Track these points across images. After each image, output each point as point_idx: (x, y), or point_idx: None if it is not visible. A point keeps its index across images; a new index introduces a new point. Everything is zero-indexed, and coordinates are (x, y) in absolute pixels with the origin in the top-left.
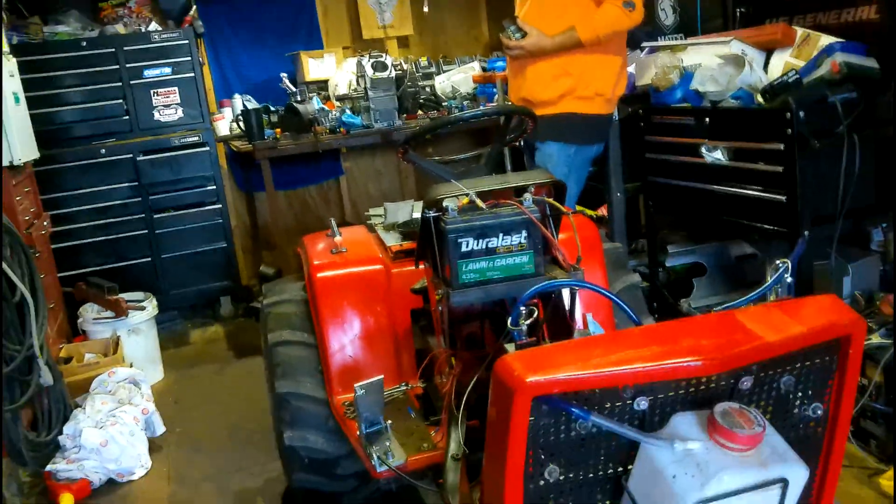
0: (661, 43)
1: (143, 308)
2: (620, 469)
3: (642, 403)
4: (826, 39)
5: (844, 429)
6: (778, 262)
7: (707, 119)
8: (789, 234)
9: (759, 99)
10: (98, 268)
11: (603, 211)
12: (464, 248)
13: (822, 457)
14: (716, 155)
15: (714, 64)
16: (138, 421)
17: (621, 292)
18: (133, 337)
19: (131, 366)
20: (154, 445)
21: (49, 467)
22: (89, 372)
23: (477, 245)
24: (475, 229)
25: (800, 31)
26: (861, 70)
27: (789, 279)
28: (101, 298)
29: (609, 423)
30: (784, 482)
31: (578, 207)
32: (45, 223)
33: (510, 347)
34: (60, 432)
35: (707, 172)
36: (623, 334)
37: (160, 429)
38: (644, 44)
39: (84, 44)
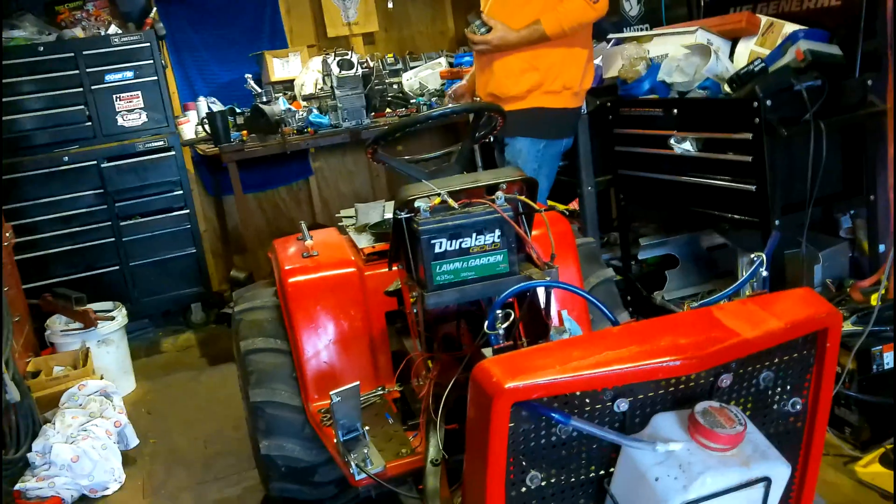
0: (626, 34)
1: (112, 318)
2: (603, 472)
3: (622, 405)
4: (790, 27)
5: (823, 422)
6: (752, 256)
7: (675, 110)
8: (760, 223)
9: (726, 88)
10: (65, 278)
11: (574, 205)
12: (437, 249)
13: (801, 451)
14: (685, 146)
15: (680, 54)
16: (111, 434)
17: (595, 287)
18: (103, 348)
19: (102, 377)
20: (128, 458)
21: (18, 486)
22: (59, 386)
23: (450, 245)
24: (448, 230)
25: (764, 19)
26: (825, 57)
27: (764, 273)
28: (68, 310)
29: (589, 427)
30: (767, 481)
31: (550, 202)
32: (7, 234)
33: (487, 352)
34: (30, 449)
35: (677, 164)
36: (601, 335)
37: (134, 441)
38: (610, 35)
39: (41, 49)
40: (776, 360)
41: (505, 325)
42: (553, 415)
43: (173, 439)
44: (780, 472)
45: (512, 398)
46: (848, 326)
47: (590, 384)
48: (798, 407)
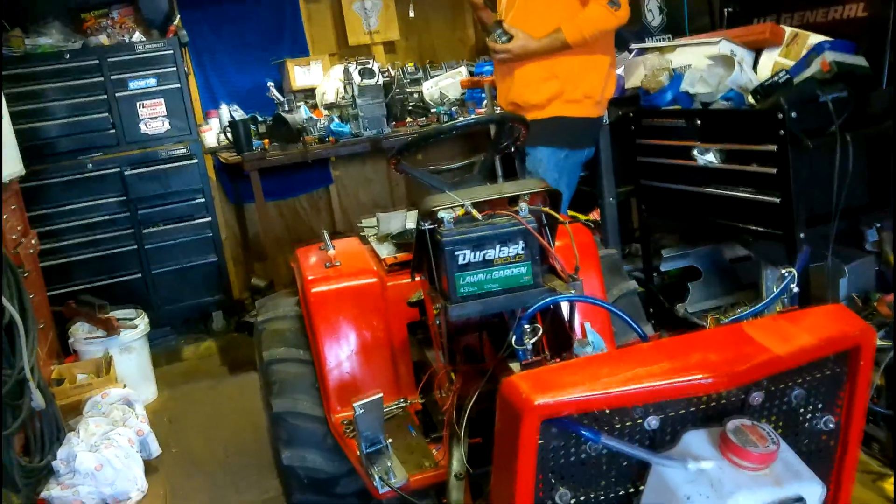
0: (649, 44)
1: (134, 325)
2: (632, 489)
3: (653, 422)
4: (815, 38)
5: (857, 440)
6: (783, 271)
7: (698, 121)
8: (784, 236)
9: (751, 99)
10: (87, 285)
11: (595, 215)
12: (461, 261)
13: (834, 469)
14: (708, 157)
15: (703, 65)
16: (133, 443)
17: (619, 300)
18: (125, 355)
19: (124, 385)
20: (150, 467)
21: (43, 493)
22: (82, 394)
23: (474, 257)
24: (472, 241)
25: (788, 30)
26: (851, 68)
27: (795, 289)
28: (91, 316)
29: (620, 445)
30: (801, 500)
31: (571, 213)
32: (32, 241)
33: (515, 367)
34: (54, 457)
35: (700, 175)
36: (630, 351)
37: (156, 450)
38: (632, 45)
39: (67, 56)
40: (808, 377)
41: (532, 340)
42: (583, 432)
43: (194, 448)
44: (814, 492)
45: (542, 414)
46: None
47: (620, 401)
48: (831, 425)
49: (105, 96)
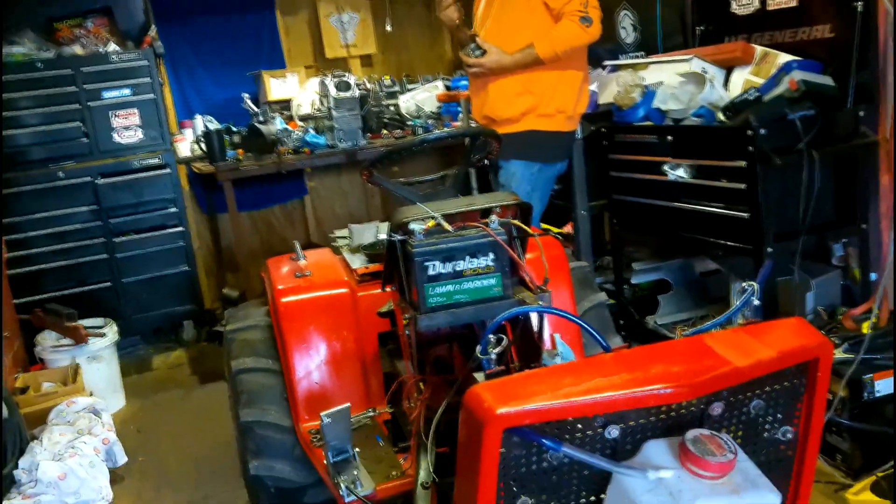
0: (622, 61)
1: (103, 334)
2: (594, 498)
3: (613, 432)
4: (784, 57)
5: (814, 451)
6: (745, 284)
7: (670, 137)
8: (753, 251)
9: (721, 117)
10: (57, 293)
11: (568, 229)
12: (430, 272)
13: (792, 479)
14: (679, 172)
15: (675, 82)
16: (99, 452)
17: (588, 311)
18: (93, 364)
19: (91, 394)
20: (116, 476)
21: (4, 503)
22: (47, 402)
23: (444, 268)
24: (442, 252)
25: (758, 49)
26: (818, 87)
27: (756, 302)
28: (59, 325)
29: (580, 454)
30: None
31: (544, 226)
32: None
33: (479, 376)
34: (16, 466)
35: (671, 190)
36: (593, 361)
37: (122, 459)
38: (605, 62)
39: (40, 65)
40: (767, 388)
41: (497, 350)
42: (544, 441)
43: (162, 458)
44: (771, 501)
45: (503, 424)
46: (840, 354)
47: (581, 411)
48: (789, 436)
49: (78, 106)
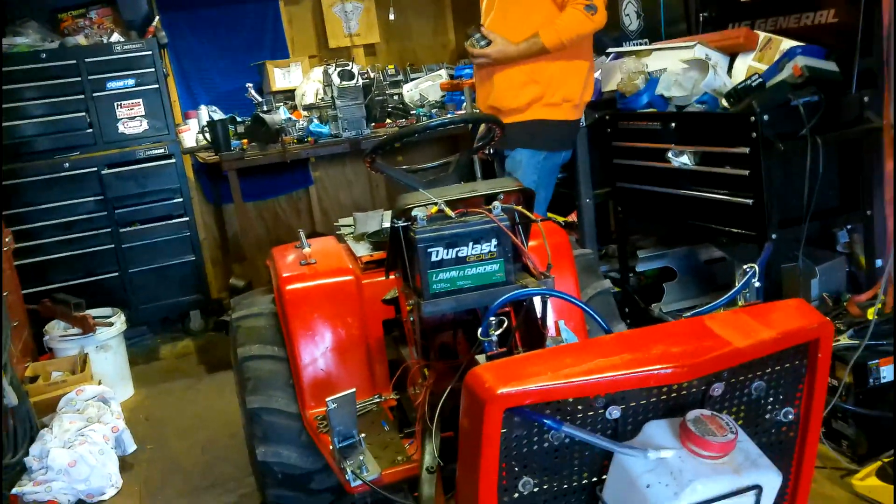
0: (625, 48)
1: (111, 324)
2: (595, 479)
3: (614, 412)
4: (787, 43)
5: (816, 432)
6: (745, 266)
7: (673, 124)
8: (757, 237)
9: (724, 103)
10: (64, 284)
11: (573, 217)
12: (434, 258)
13: (794, 461)
14: (682, 159)
15: (679, 69)
16: (108, 439)
17: (592, 298)
18: (101, 353)
19: (100, 383)
20: (125, 464)
21: (15, 490)
22: (56, 391)
23: (447, 254)
24: (445, 238)
25: (762, 35)
26: (822, 73)
27: (757, 284)
28: (67, 315)
29: (581, 434)
30: (758, 489)
31: (549, 214)
32: (7, 239)
33: (481, 358)
34: (27, 453)
35: (675, 177)
36: (594, 343)
37: (131, 447)
38: (609, 49)
39: (44, 56)
40: (768, 369)
41: (498, 332)
42: (545, 421)
43: (170, 446)
44: (771, 481)
45: (504, 404)
46: (845, 340)
47: (582, 391)
48: (790, 417)
49: (83, 96)
